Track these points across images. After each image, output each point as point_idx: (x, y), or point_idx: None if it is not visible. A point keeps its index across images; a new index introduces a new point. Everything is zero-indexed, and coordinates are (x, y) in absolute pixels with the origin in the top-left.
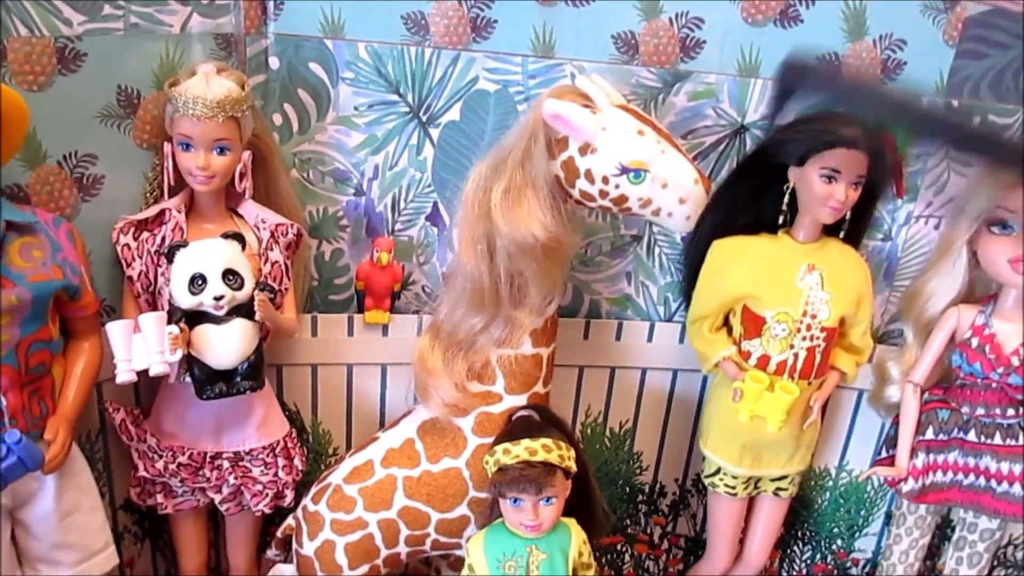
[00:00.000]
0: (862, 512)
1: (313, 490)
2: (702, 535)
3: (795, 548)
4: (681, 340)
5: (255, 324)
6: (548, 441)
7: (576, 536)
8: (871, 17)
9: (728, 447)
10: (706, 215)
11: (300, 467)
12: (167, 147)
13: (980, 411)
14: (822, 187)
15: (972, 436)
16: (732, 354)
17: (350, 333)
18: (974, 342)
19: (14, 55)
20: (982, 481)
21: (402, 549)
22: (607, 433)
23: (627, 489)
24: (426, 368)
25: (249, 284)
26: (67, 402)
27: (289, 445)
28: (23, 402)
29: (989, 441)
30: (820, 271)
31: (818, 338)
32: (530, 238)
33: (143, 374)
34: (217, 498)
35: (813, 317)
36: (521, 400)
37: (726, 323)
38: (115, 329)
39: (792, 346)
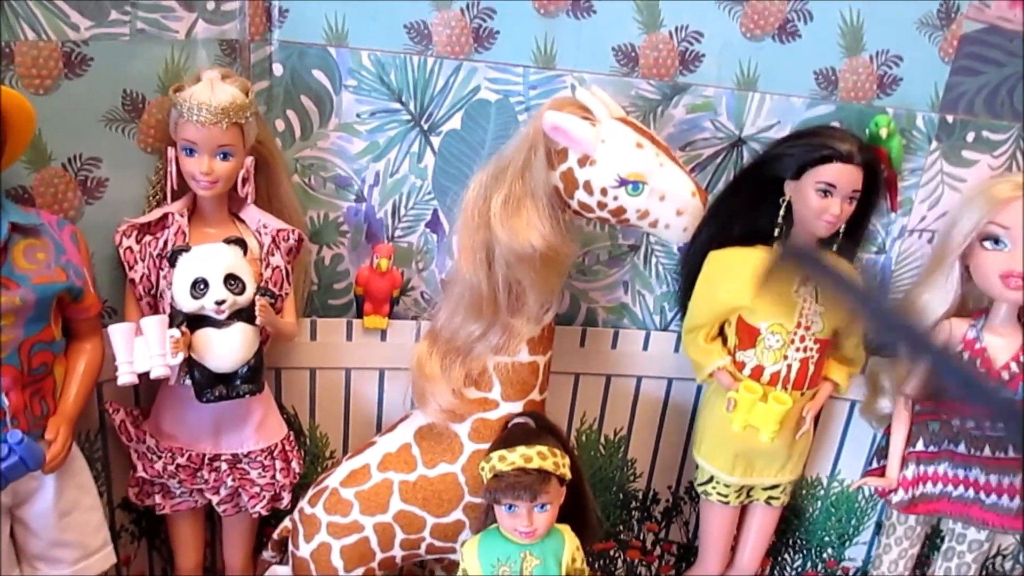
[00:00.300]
0: (853, 521)
1: (310, 493)
2: (694, 542)
3: (786, 556)
4: (676, 349)
5: (256, 328)
6: (543, 448)
7: (570, 542)
8: (868, 33)
9: (721, 456)
10: (703, 226)
11: (297, 470)
12: (171, 151)
13: (970, 423)
14: (817, 201)
15: (962, 448)
16: (727, 364)
17: (349, 337)
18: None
19: (21, 59)
20: (971, 493)
21: (397, 553)
22: (602, 440)
23: (620, 495)
24: (424, 374)
25: (250, 289)
26: (68, 402)
27: (287, 448)
28: (25, 402)
29: (979, 453)
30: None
31: (811, 350)
32: (529, 248)
33: (144, 376)
34: (215, 499)
35: (807, 329)
36: (517, 407)
37: (721, 333)
38: (117, 332)
39: (786, 357)
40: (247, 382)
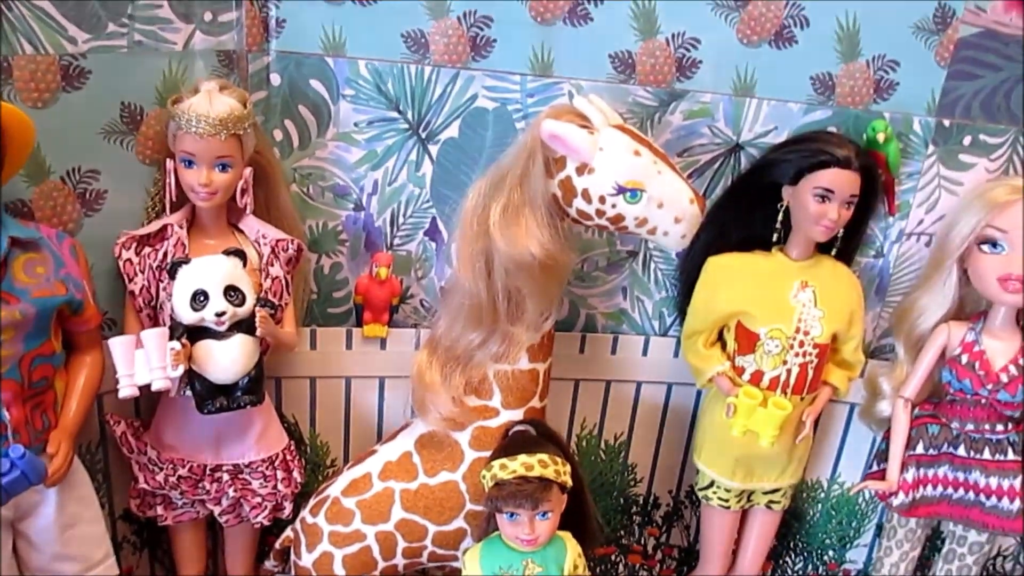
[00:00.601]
0: (853, 524)
1: (311, 502)
2: (695, 546)
3: (787, 559)
4: (676, 354)
5: (256, 339)
6: (544, 456)
7: (571, 549)
8: (864, 38)
9: (721, 460)
10: (701, 232)
11: (299, 479)
12: (169, 163)
13: (969, 427)
14: (815, 206)
15: (962, 451)
16: (726, 369)
17: (348, 346)
18: (964, 359)
19: (19, 72)
20: (971, 495)
21: (399, 561)
22: (602, 445)
23: (621, 500)
24: (424, 382)
25: (250, 300)
26: (69, 416)
27: (288, 457)
28: (26, 416)
29: (978, 456)
30: (813, 288)
31: (811, 354)
32: (528, 256)
33: (144, 388)
34: (216, 510)
35: (806, 334)
36: (517, 414)
37: (720, 339)
38: (118, 345)
39: (785, 362)
40: (248, 393)
